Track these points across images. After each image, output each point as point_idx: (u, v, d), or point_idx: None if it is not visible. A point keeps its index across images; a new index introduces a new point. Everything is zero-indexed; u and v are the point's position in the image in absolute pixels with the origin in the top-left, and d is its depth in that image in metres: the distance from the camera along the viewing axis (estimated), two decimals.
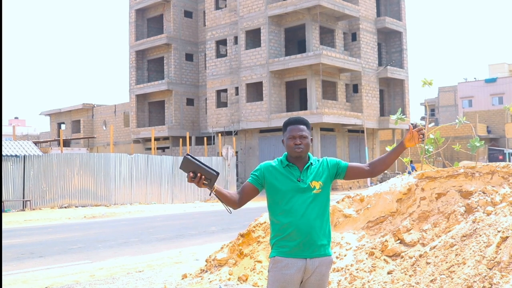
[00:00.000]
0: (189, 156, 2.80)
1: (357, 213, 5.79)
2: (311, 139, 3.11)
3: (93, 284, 6.89)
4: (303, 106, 34.76)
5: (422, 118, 61.43)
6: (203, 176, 2.81)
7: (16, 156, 19.98)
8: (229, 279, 6.05)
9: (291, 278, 2.94)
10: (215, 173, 2.82)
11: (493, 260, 3.83)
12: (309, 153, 3.12)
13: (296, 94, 36.63)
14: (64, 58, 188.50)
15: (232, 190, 3.21)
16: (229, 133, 35.09)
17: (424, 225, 5.00)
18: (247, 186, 3.07)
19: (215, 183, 2.87)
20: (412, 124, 3.05)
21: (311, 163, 3.08)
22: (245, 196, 3.06)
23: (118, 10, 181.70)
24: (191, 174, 2.80)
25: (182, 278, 6.70)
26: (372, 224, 5.54)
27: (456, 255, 4.17)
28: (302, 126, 3.05)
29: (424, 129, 2.85)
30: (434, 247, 4.49)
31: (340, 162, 3.13)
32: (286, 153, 3.12)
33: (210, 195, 2.95)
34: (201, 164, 2.80)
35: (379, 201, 5.66)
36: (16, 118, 76.19)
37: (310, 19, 31.79)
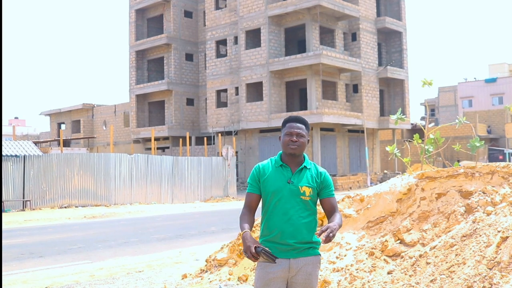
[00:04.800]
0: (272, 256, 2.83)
1: (357, 213, 5.79)
2: (308, 140, 3.10)
3: (93, 284, 6.89)
4: (303, 106, 34.75)
5: (422, 118, 61.46)
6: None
7: (16, 156, 19.97)
8: (229, 279, 6.05)
9: (275, 276, 2.96)
10: (275, 261, 2.85)
11: (493, 260, 3.83)
12: (305, 155, 3.11)
13: (296, 94, 36.62)
14: (64, 58, 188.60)
15: (246, 217, 3.17)
16: (229, 133, 35.09)
17: (424, 225, 5.00)
18: (251, 198, 3.09)
19: (249, 233, 2.93)
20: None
21: (305, 167, 3.05)
22: (254, 208, 3.10)
23: (118, 10, 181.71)
24: (257, 256, 2.82)
25: (182, 278, 6.70)
26: (372, 224, 5.54)
27: (456, 255, 4.17)
28: (300, 125, 3.06)
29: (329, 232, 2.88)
30: (434, 247, 4.49)
31: (330, 189, 3.09)
32: (280, 152, 3.12)
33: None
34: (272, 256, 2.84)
35: (379, 201, 5.66)
36: (16, 118, 76.17)
37: (310, 19, 31.78)
